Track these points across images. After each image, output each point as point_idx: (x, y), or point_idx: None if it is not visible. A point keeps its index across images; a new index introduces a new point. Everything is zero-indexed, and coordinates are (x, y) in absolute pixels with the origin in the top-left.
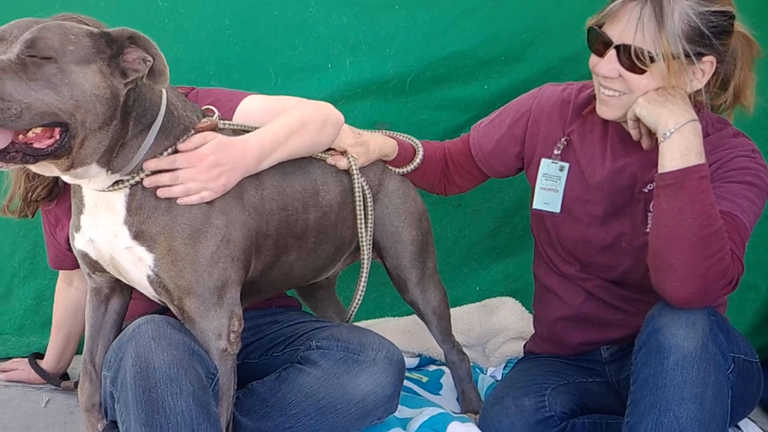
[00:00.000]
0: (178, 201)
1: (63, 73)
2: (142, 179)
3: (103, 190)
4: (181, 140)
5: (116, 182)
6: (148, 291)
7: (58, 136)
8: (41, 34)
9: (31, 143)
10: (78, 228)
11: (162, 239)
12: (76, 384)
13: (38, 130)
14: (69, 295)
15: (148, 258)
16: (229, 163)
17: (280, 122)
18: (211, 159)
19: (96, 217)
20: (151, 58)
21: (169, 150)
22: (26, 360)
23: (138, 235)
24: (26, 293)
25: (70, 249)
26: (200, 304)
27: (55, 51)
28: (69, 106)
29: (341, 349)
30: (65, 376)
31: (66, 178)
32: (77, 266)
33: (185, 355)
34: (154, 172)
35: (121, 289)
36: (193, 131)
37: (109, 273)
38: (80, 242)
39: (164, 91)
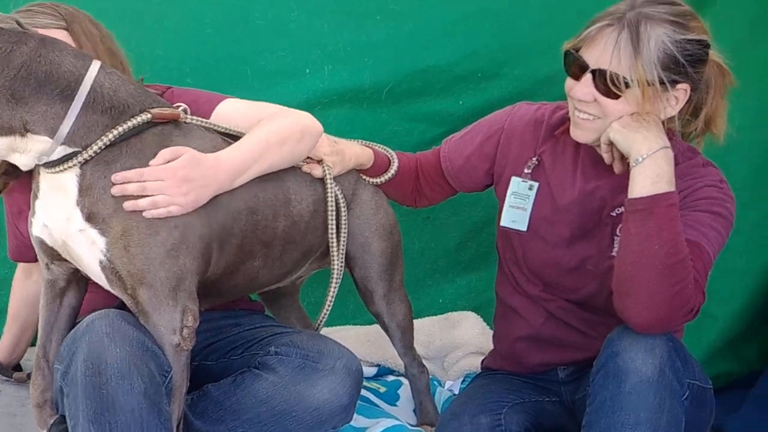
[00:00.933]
0: (144, 214)
1: None
2: (91, 157)
3: (54, 172)
4: (137, 122)
5: (65, 161)
6: (101, 279)
7: None
8: None
9: None
10: (33, 213)
11: (115, 221)
12: (28, 376)
13: None
14: (26, 287)
15: (100, 241)
16: (201, 180)
17: (257, 137)
18: (182, 174)
19: (50, 200)
20: None
21: (120, 129)
22: None
23: (90, 217)
24: None
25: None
26: (153, 296)
27: None
28: None
29: (300, 356)
30: (18, 368)
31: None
32: (35, 259)
33: (139, 352)
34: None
35: (77, 282)
36: (149, 115)
37: (67, 262)
38: (36, 228)
39: (92, 67)
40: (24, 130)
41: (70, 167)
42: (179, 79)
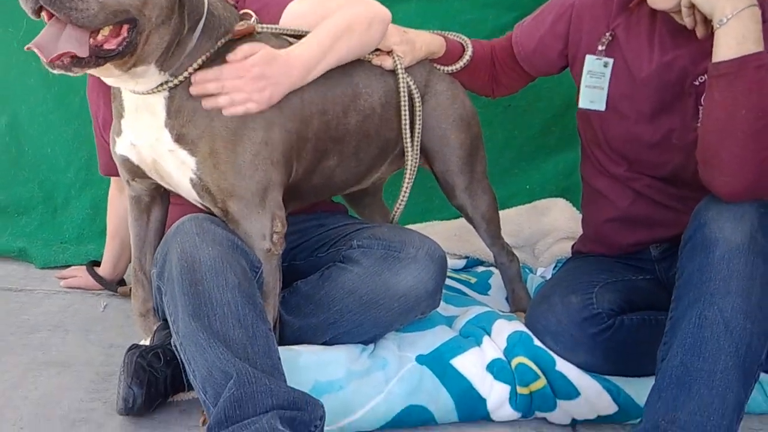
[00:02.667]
0: (224, 111)
1: None
2: (181, 81)
3: (143, 93)
4: (222, 42)
5: (158, 84)
6: (191, 195)
7: (125, 33)
8: None
9: (102, 45)
10: (119, 132)
11: (203, 142)
12: (131, 289)
13: (106, 31)
14: (121, 202)
15: (190, 161)
16: (275, 77)
17: (324, 29)
18: (257, 71)
19: (137, 120)
20: None
21: (210, 52)
22: (84, 267)
23: (179, 138)
24: (83, 203)
25: None
26: (243, 206)
27: None
28: (138, 2)
29: (382, 247)
30: (122, 282)
31: (114, 81)
32: None
33: (229, 250)
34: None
35: (161, 196)
36: (230, 35)
37: (149, 179)
38: (121, 147)
39: None
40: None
41: (159, 90)
42: None
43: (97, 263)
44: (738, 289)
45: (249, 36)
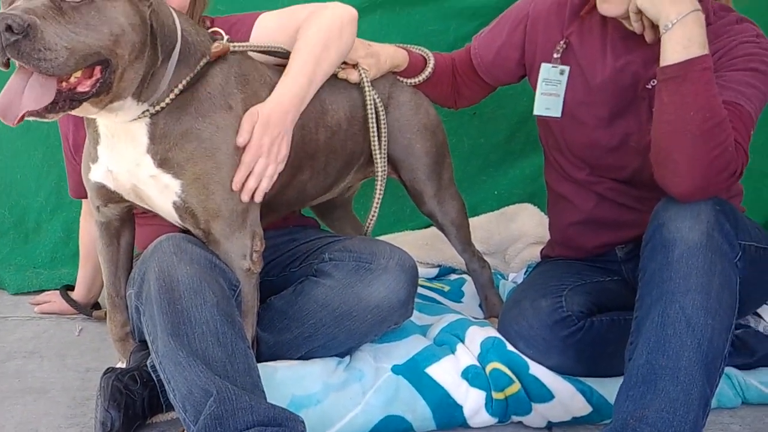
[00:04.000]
0: (261, 186)
1: (98, 10)
2: (163, 108)
3: (122, 121)
4: (201, 66)
5: (138, 114)
6: (172, 217)
7: (99, 74)
8: None
9: (75, 88)
10: (95, 159)
11: (190, 165)
12: (106, 313)
13: (79, 73)
14: (93, 225)
15: (174, 185)
16: (279, 132)
17: (304, 55)
18: (267, 140)
19: (113, 147)
20: None
21: (189, 77)
22: (58, 292)
23: (163, 163)
24: (54, 227)
25: None
26: (226, 226)
27: None
28: (109, 43)
29: (353, 259)
30: (96, 306)
31: (91, 116)
32: None
33: (207, 269)
34: None
35: (129, 220)
36: (206, 57)
37: (123, 203)
38: (97, 173)
39: (176, 17)
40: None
41: (141, 117)
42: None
43: (71, 287)
44: (697, 286)
45: (223, 58)
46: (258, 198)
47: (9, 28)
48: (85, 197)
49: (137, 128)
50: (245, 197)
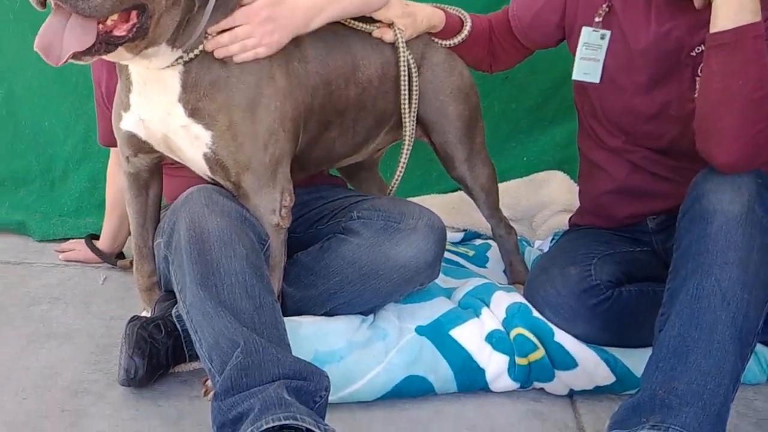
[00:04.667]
0: (235, 58)
1: None
2: (197, 55)
3: (156, 68)
4: None
5: (172, 61)
6: (203, 169)
7: (135, 19)
8: None
9: (111, 31)
10: (127, 107)
11: (221, 115)
12: (131, 262)
13: (115, 16)
14: (121, 175)
15: (205, 135)
16: (281, 19)
17: None
18: (264, 14)
19: (146, 95)
20: None
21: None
22: (83, 241)
23: (194, 113)
24: (81, 176)
25: None
26: (256, 180)
27: None
28: None
29: (382, 218)
30: (121, 255)
31: (125, 62)
32: None
33: (237, 222)
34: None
35: (159, 171)
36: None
37: (153, 154)
38: (129, 122)
39: None
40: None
41: (174, 65)
42: None
43: (96, 236)
44: (735, 259)
45: None
46: (218, 54)
47: None
48: (114, 145)
49: (170, 76)
50: (209, 47)
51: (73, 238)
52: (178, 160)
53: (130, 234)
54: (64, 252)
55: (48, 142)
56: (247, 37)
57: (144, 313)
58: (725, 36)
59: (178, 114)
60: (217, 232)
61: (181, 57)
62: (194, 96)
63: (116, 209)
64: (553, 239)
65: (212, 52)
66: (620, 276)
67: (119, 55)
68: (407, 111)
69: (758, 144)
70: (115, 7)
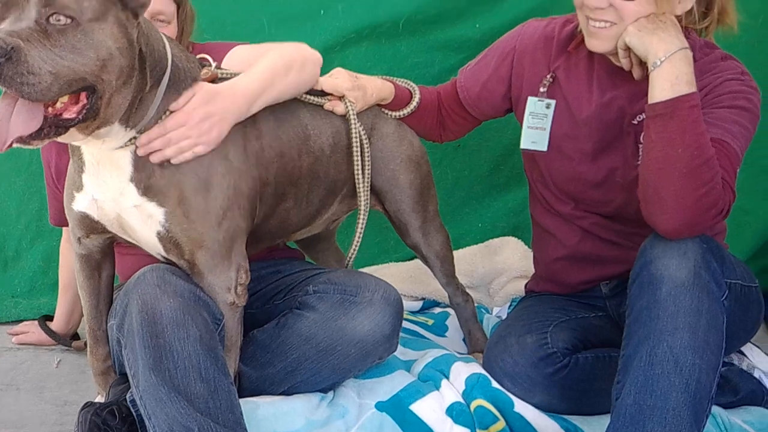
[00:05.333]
0: (172, 161)
1: (85, 34)
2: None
3: (107, 148)
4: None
5: (125, 141)
6: (156, 249)
7: (85, 100)
8: None
9: (60, 114)
10: (79, 187)
11: (172, 192)
12: (86, 343)
13: (65, 98)
14: (73, 255)
15: (158, 213)
16: (219, 113)
17: (264, 65)
18: (200, 113)
19: (98, 175)
20: None
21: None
22: (36, 322)
23: (146, 191)
24: (34, 256)
25: None
26: (210, 257)
27: (74, 10)
28: (96, 68)
29: (338, 291)
30: (75, 336)
31: (78, 143)
32: None
33: (190, 302)
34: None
35: (111, 252)
36: (196, 83)
37: (105, 234)
38: (82, 203)
39: (166, 42)
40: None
41: (127, 146)
42: (197, 35)
43: (50, 317)
44: (685, 325)
45: (212, 83)
46: (154, 159)
47: None
48: (66, 225)
49: (121, 156)
50: (141, 152)
51: (26, 320)
52: (131, 240)
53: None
54: (17, 335)
55: (0, 222)
56: (182, 139)
57: (99, 398)
58: (662, 106)
59: (130, 194)
60: (170, 314)
61: (134, 137)
62: (145, 174)
63: (70, 289)
64: (510, 305)
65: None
66: (576, 342)
67: (71, 137)
68: (361, 181)
69: (700, 210)
70: (62, 90)
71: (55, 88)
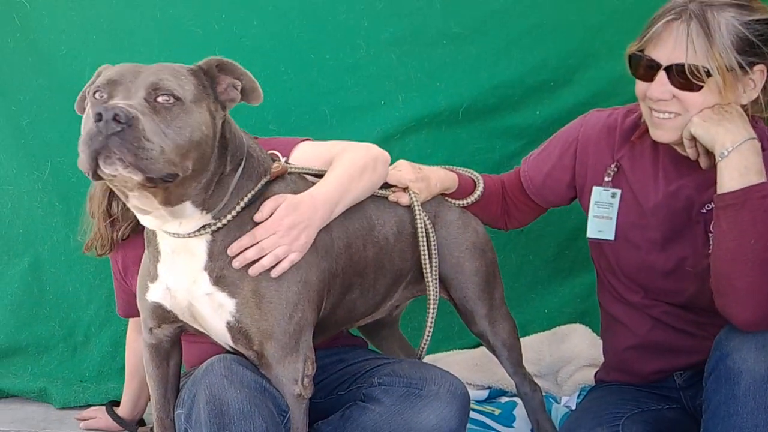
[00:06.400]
0: (272, 273)
1: (187, 113)
2: (225, 225)
3: (184, 236)
4: (263, 183)
5: (200, 227)
6: (225, 339)
7: None
8: (162, 76)
9: None
10: (154, 278)
11: (245, 283)
12: (152, 429)
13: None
14: (140, 343)
15: (229, 304)
16: (305, 221)
17: (340, 171)
18: (288, 221)
19: (173, 263)
20: (239, 82)
21: (252, 192)
22: (104, 408)
23: (218, 281)
24: (103, 341)
25: None
26: (279, 349)
27: (179, 92)
28: (189, 149)
29: (403, 384)
30: (141, 422)
31: (156, 221)
32: None
33: (257, 393)
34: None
35: (179, 341)
36: (268, 176)
37: (175, 324)
38: (155, 293)
39: (242, 132)
40: None
41: (202, 233)
42: (263, 126)
43: (117, 403)
44: (766, 422)
45: (281, 177)
46: (252, 272)
47: (116, 118)
48: (134, 316)
49: (198, 244)
50: (237, 264)
51: (93, 405)
52: (201, 330)
53: (150, 400)
54: (84, 420)
55: (71, 307)
56: (275, 247)
57: None
58: (732, 197)
59: (203, 282)
60: (237, 405)
61: (209, 224)
62: (219, 264)
63: (136, 375)
64: (579, 395)
65: (239, 221)
66: None
67: (147, 201)
68: (429, 271)
69: None
70: (165, 167)
71: (161, 161)
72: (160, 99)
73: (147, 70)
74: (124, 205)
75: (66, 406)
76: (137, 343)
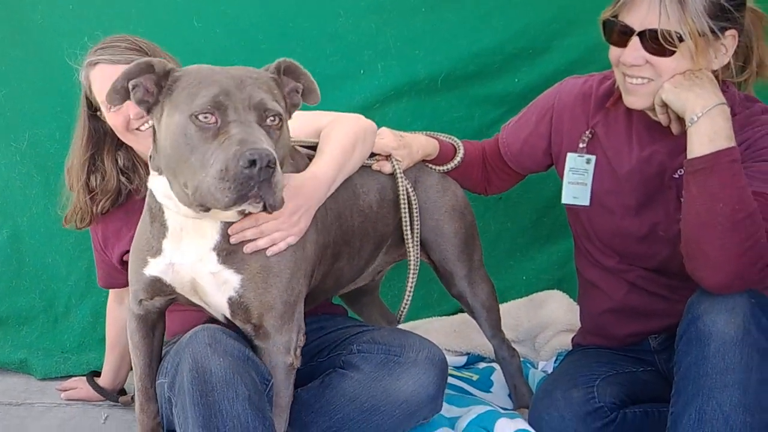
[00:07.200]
0: (267, 252)
1: (284, 130)
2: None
3: (195, 217)
4: None
5: None
6: (223, 312)
7: None
8: (263, 96)
9: None
10: (157, 253)
11: (254, 260)
12: (132, 398)
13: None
14: (121, 313)
15: (234, 279)
16: (305, 204)
17: (333, 146)
18: (289, 207)
19: (179, 240)
20: (300, 85)
21: None
22: (84, 378)
23: (227, 259)
24: (83, 312)
25: (122, 267)
26: (278, 318)
27: (281, 111)
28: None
29: (382, 351)
30: (122, 392)
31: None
32: (126, 285)
33: (240, 361)
34: None
35: (165, 311)
36: None
37: (168, 296)
38: (156, 267)
39: None
40: None
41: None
42: None
43: (98, 373)
44: (735, 382)
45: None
46: (247, 250)
47: (269, 164)
48: (115, 287)
49: (210, 225)
50: (233, 240)
51: (75, 376)
52: (198, 303)
53: (131, 369)
54: (66, 390)
55: (51, 279)
56: (274, 230)
57: None
58: (702, 161)
59: (210, 261)
60: (220, 373)
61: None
62: (231, 244)
63: (117, 346)
64: (556, 360)
65: None
66: (624, 397)
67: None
68: (410, 238)
69: (745, 264)
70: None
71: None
72: (268, 121)
73: (245, 85)
74: (103, 178)
75: (47, 376)
76: (118, 313)
